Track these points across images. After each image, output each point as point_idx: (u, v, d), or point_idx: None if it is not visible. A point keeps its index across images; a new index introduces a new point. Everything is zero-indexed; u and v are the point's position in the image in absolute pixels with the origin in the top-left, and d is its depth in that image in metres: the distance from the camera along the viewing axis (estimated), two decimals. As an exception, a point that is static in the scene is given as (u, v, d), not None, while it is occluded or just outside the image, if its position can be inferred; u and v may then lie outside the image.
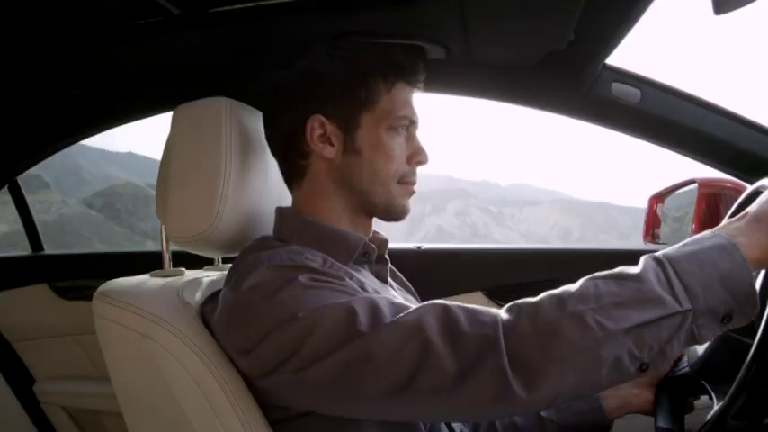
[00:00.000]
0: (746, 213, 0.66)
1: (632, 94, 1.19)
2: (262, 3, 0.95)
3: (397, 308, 0.68)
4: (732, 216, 0.87)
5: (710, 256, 0.61)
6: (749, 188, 0.88)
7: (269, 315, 0.70)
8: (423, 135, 0.91)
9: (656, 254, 0.64)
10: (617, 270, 0.65)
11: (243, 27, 1.02)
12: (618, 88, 1.19)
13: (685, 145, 1.25)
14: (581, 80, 1.18)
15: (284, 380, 0.71)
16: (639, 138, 1.27)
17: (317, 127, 0.84)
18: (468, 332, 0.63)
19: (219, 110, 0.87)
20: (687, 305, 0.59)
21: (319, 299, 0.69)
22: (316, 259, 0.77)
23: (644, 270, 0.62)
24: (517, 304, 0.65)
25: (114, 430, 1.61)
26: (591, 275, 0.65)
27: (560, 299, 0.63)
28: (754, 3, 0.75)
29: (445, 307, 0.66)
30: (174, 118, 0.91)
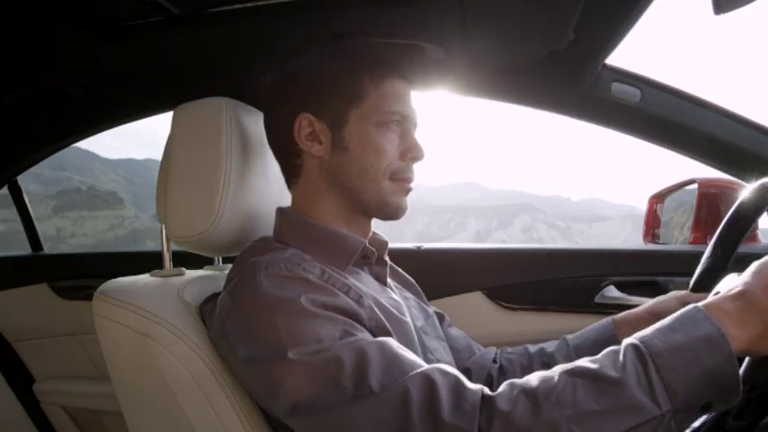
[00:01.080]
0: (741, 294, 0.61)
1: (632, 93, 1.20)
2: (262, 3, 0.95)
3: (388, 359, 0.66)
4: (730, 223, 0.87)
5: (696, 350, 0.58)
6: (748, 187, 0.89)
7: (260, 335, 0.69)
8: (422, 132, 0.91)
9: (640, 344, 0.60)
10: (597, 369, 0.61)
11: (243, 27, 1.02)
12: (618, 88, 1.19)
13: (685, 145, 1.25)
14: (581, 80, 1.18)
15: (273, 411, 0.72)
16: (639, 138, 1.27)
17: (306, 125, 0.84)
18: (448, 422, 0.60)
19: (220, 110, 0.87)
20: (667, 407, 0.57)
21: (313, 332, 0.68)
22: (313, 270, 0.76)
23: (624, 373, 0.59)
24: (493, 401, 0.62)
25: (114, 430, 1.61)
26: (571, 370, 0.62)
27: (536, 402, 0.59)
28: (754, 2, 0.75)
29: (432, 384, 0.63)
30: (174, 118, 0.91)
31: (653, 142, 1.27)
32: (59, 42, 1.05)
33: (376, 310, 0.78)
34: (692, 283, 0.93)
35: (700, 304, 0.62)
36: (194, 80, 1.19)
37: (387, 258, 0.94)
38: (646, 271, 1.41)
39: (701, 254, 1.02)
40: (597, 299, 1.43)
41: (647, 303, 1.00)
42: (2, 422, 1.65)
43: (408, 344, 0.80)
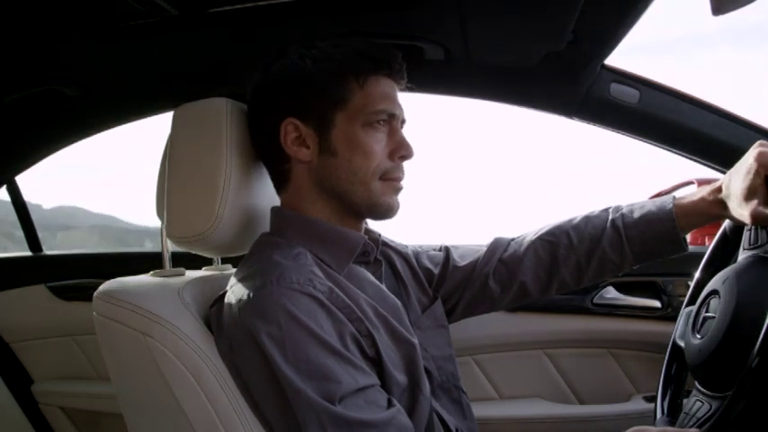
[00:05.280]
0: None
1: (631, 94, 1.20)
2: (261, 3, 0.95)
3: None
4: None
5: None
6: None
7: (269, 353, 0.71)
8: (409, 130, 0.88)
9: None
10: None
11: (243, 27, 1.02)
12: (616, 89, 1.19)
13: (683, 145, 1.25)
14: (580, 81, 1.18)
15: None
16: (638, 138, 1.27)
17: (292, 130, 0.83)
18: None
19: (220, 110, 0.87)
20: None
21: (319, 367, 0.70)
22: (323, 288, 0.75)
23: None
24: None
25: (112, 431, 1.61)
26: None
27: None
28: (753, 3, 0.75)
29: None
30: (174, 118, 0.91)
31: (651, 143, 1.28)
32: (59, 42, 1.05)
33: (374, 333, 0.78)
34: None
35: None
36: (194, 80, 1.19)
37: (380, 258, 0.94)
38: (644, 272, 1.41)
39: (701, 255, 1.02)
40: (596, 299, 1.44)
41: (711, 197, 0.88)
42: (0, 423, 1.65)
43: (409, 357, 0.81)
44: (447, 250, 1.06)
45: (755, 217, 0.79)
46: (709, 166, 1.26)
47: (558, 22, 0.96)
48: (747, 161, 0.81)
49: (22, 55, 1.10)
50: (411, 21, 1.02)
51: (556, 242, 0.98)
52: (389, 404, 0.74)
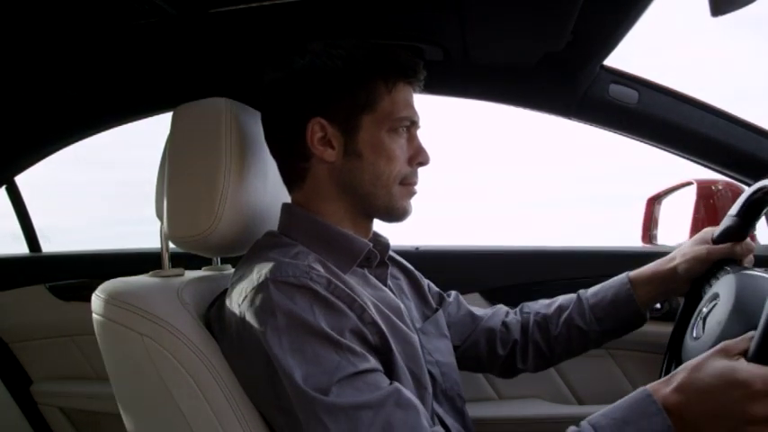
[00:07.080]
0: (696, 394, 0.64)
1: (629, 95, 1.20)
2: (260, 4, 0.95)
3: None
4: (759, 186, 0.88)
5: None
6: (748, 189, 0.89)
7: (273, 352, 0.71)
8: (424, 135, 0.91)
9: (595, 422, 0.68)
10: None
11: (242, 27, 1.02)
12: (615, 89, 1.20)
13: (682, 146, 1.26)
14: (579, 81, 1.18)
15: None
16: (636, 139, 1.28)
17: (318, 130, 0.83)
18: None
19: (220, 110, 0.87)
20: None
21: (315, 358, 0.70)
22: (321, 280, 0.75)
23: None
24: None
25: (110, 431, 1.61)
26: None
27: None
28: (753, 4, 0.75)
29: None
30: (173, 118, 0.90)
31: (650, 144, 1.28)
32: (59, 42, 1.05)
33: (378, 321, 0.78)
34: (715, 234, 0.96)
35: (651, 391, 0.66)
36: (194, 80, 1.19)
37: (387, 262, 0.94)
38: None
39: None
40: (595, 300, 1.44)
41: (662, 259, 1.02)
42: None
43: (410, 355, 0.81)
44: (457, 295, 1.13)
45: (711, 251, 0.94)
46: (707, 167, 1.26)
47: (558, 22, 0.96)
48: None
49: (21, 55, 1.10)
50: (410, 21, 1.02)
51: (533, 312, 1.09)
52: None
